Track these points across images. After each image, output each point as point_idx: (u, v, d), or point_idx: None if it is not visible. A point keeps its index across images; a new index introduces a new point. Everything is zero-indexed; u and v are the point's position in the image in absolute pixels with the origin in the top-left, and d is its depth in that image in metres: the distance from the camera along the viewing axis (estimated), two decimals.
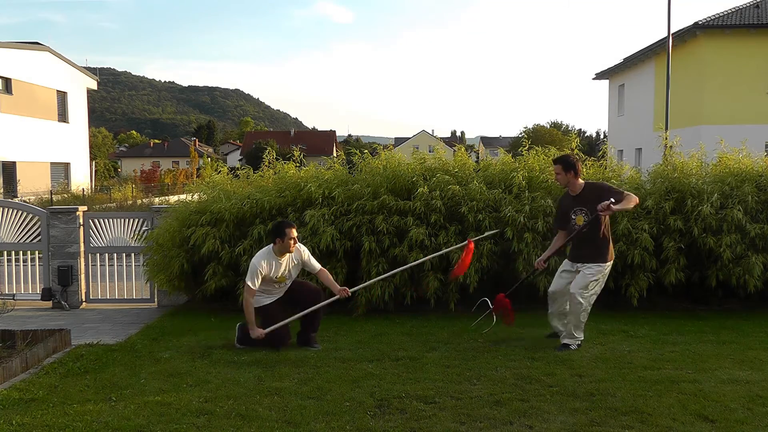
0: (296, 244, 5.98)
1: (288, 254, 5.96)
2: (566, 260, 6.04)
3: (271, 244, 5.95)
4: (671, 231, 7.26)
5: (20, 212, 8.43)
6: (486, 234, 6.84)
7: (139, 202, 26.15)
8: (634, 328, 6.59)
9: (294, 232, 5.90)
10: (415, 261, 6.71)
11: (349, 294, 6.11)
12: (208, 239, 7.33)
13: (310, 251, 6.17)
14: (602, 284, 5.90)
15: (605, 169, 8.31)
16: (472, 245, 6.34)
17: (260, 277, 5.85)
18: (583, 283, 5.75)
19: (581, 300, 5.73)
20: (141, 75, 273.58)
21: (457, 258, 6.56)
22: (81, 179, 31.92)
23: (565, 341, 5.84)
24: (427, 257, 6.72)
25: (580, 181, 5.86)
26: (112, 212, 12.61)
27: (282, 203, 7.58)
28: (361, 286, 6.53)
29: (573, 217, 5.83)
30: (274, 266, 5.90)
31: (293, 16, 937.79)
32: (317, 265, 6.18)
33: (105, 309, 8.23)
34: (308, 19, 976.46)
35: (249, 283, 5.87)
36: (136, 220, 8.43)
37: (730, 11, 23.34)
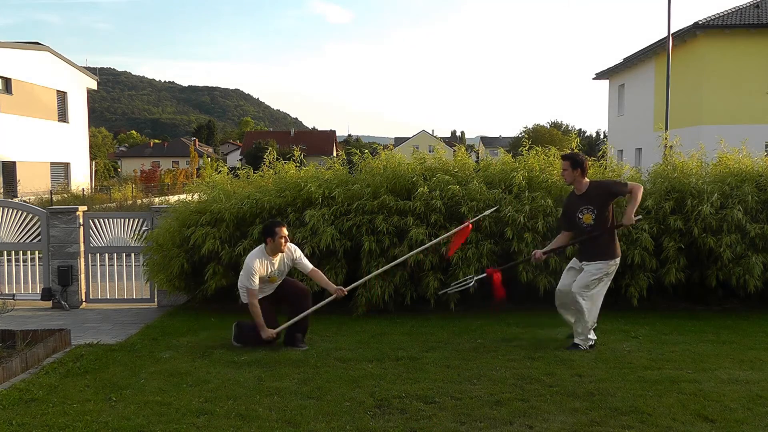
0: (287, 243, 5.95)
1: (280, 254, 5.95)
2: (574, 258, 6.05)
3: (263, 245, 5.92)
4: (671, 231, 7.26)
5: (20, 212, 8.43)
6: (485, 213, 6.75)
7: (139, 202, 26.13)
8: (634, 328, 6.59)
9: (284, 231, 5.87)
10: (417, 249, 6.64)
11: (345, 293, 6.06)
12: (208, 239, 7.32)
13: (310, 252, 6.15)
14: (607, 282, 5.85)
15: (605, 169, 8.31)
16: (471, 227, 6.31)
17: (257, 276, 5.84)
18: (584, 282, 5.74)
19: (581, 300, 5.72)
20: (141, 75, 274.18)
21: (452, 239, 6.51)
22: (81, 179, 31.90)
23: (576, 341, 5.84)
24: (431, 242, 6.67)
25: (586, 180, 5.86)
26: (112, 212, 12.61)
27: (282, 203, 7.58)
28: (357, 283, 6.46)
29: (580, 216, 5.79)
30: (268, 266, 5.90)
31: (293, 17, 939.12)
32: (309, 265, 6.12)
33: (105, 309, 8.23)
34: (308, 19, 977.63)
35: (248, 285, 5.84)
36: (136, 220, 8.43)
37: (730, 11, 23.35)
